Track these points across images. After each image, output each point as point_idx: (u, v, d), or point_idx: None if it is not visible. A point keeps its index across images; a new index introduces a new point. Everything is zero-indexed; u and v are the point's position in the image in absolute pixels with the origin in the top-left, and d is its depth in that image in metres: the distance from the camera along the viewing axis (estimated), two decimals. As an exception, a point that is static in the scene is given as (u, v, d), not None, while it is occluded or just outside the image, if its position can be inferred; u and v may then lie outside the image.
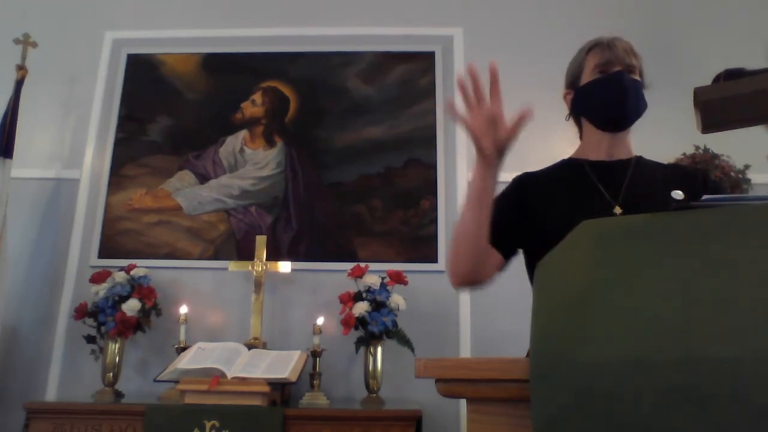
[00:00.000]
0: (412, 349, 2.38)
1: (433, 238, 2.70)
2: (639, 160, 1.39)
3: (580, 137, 1.45)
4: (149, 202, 2.83)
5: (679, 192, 1.23)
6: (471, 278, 1.29)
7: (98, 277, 2.51)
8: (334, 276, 2.59)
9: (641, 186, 1.31)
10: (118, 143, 2.92)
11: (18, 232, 2.74)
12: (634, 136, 1.41)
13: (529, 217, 1.33)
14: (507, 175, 2.74)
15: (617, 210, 1.27)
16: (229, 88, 2.97)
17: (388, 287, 2.43)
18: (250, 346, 2.35)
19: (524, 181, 1.41)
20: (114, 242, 2.77)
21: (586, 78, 1.36)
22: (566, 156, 1.46)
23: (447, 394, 0.78)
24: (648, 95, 1.38)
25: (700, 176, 1.40)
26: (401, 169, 2.81)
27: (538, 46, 2.91)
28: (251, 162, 2.86)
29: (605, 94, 1.33)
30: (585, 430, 0.64)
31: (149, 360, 2.61)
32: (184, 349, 2.35)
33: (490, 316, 2.54)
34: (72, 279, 2.72)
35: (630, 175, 1.33)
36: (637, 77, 1.34)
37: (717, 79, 0.84)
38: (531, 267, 1.27)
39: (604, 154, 1.37)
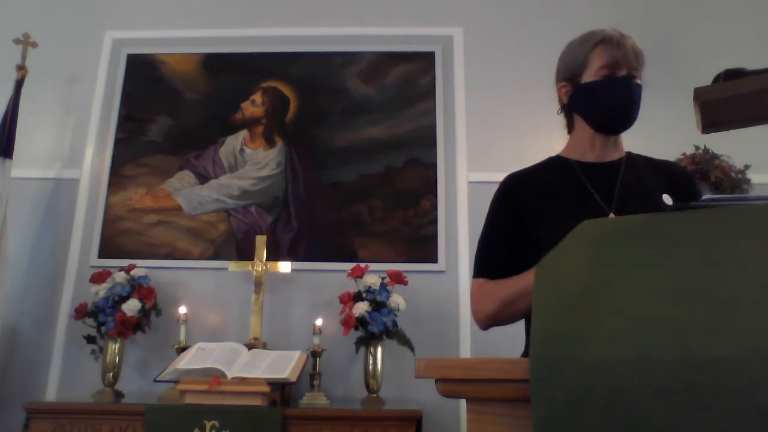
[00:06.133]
0: (412, 349, 2.38)
1: (433, 238, 2.70)
2: (629, 158, 1.36)
3: (568, 131, 1.42)
4: (149, 202, 2.83)
5: (668, 196, 1.25)
6: (503, 324, 1.32)
7: (98, 277, 2.51)
8: (334, 276, 2.59)
9: (632, 189, 1.29)
10: (118, 143, 2.92)
11: (18, 232, 2.74)
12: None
13: (522, 224, 1.31)
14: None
15: (611, 216, 1.25)
16: (229, 88, 2.97)
17: (388, 287, 2.43)
18: (250, 346, 2.35)
19: (513, 187, 1.37)
20: (114, 242, 2.77)
21: (590, 76, 1.31)
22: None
23: (447, 394, 0.78)
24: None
25: (687, 179, 1.39)
26: (401, 169, 2.81)
27: (538, 46, 2.90)
28: (251, 162, 2.86)
29: (611, 98, 1.29)
30: (585, 430, 0.64)
31: (149, 360, 2.61)
32: (184, 349, 2.35)
33: (490, 316, 2.54)
34: (72, 279, 2.72)
35: (621, 178, 1.31)
36: (640, 81, 1.31)
37: (717, 79, 0.84)
38: (521, 271, 1.26)
39: (595, 155, 1.35)
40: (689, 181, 1.38)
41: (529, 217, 1.30)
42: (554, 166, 1.39)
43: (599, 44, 1.31)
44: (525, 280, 1.20)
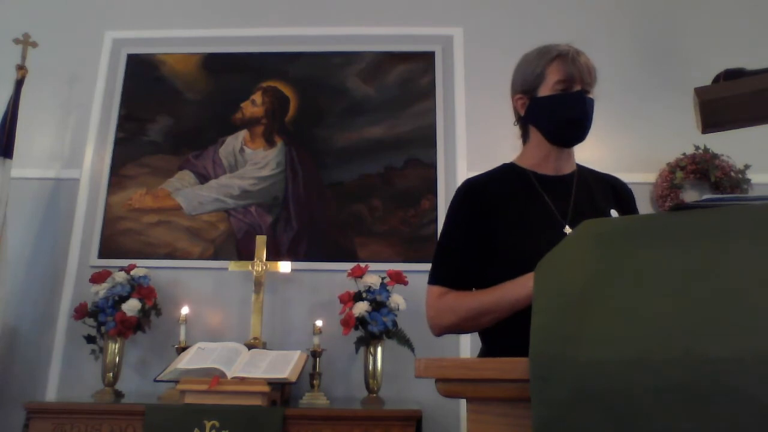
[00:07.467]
0: (412, 349, 2.38)
1: (433, 238, 2.70)
2: (580, 172, 1.40)
3: (523, 141, 1.43)
4: (149, 202, 2.83)
5: (615, 212, 1.31)
6: (461, 334, 1.34)
7: (98, 277, 2.51)
8: (334, 276, 2.60)
9: (585, 202, 1.33)
10: (118, 143, 2.92)
11: (18, 232, 2.74)
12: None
13: (481, 230, 1.30)
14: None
15: (567, 230, 1.27)
16: (229, 88, 2.97)
17: (388, 287, 2.43)
18: (250, 346, 2.35)
19: (472, 193, 1.36)
20: (114, 242, 2.77)
21: (545, 90, 1.33)
22: None
23: (447, 394, 0.78)
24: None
25: (628, 194, 1.42)
26: (401, 169, 2.81)
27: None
28: (251, 162, 2.86)
29: (565, 113, 1.31)
30: (585, 430, 0.64)
31: (149, 360, 2.61)
32: (184, 349, 2.35)
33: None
34: (72, 279, 2.72)
35: (575, 192, 1.34)
36: (592, 96, 1.34)
37: (717, 79, 0.84)
38: (479, 279, 1.27)
39: (551, 168, 1.37)
40: (630, 196, 1.43)
41: (488, 224, 1.30)
42: (511, 174, 1.39)
43: (555, 59, 1.33)
44: (489, 296, 1.20)
